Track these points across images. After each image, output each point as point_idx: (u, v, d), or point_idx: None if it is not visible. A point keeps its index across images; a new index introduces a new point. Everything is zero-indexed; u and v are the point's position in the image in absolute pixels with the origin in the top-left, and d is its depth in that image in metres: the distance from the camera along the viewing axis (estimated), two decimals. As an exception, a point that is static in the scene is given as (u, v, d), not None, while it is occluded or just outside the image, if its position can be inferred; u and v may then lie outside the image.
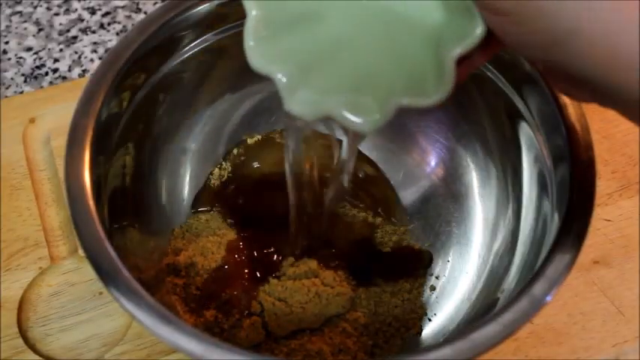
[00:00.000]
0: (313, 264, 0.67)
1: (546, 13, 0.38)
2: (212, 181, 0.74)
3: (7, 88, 0.86)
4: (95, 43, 0.91)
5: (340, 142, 0.57)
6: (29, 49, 0.90)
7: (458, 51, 0.44)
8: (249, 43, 0.46)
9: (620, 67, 0.37)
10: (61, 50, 0.90)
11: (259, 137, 0.76)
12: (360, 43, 0.47)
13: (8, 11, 0.94)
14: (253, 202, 0.73)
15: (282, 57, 0.46)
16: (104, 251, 0.50)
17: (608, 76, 0.38)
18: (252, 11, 0.46)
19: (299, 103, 0.45)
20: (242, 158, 0.75)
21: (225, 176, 0.74)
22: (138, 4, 0.95)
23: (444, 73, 0.45)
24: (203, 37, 0.66)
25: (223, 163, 0.75)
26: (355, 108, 0.45)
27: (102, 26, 0.93)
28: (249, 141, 0.76)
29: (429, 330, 0.66)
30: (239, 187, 0.74)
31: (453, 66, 0.44)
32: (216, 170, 0.74)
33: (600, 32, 0.37)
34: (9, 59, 0.89)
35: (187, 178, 0.72)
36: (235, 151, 0.75)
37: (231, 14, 0.65)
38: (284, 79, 0.45)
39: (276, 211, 0.71)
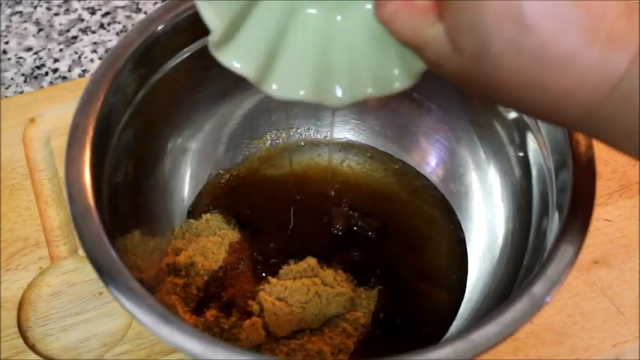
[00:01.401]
0: (313, 262, 0.67)
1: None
2: (213, 182, 0.74)
3: (7, 88, 0.86)
4: (95, 43, 0.91)
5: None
6: (29, 49, 0.90)
7: (423, 66, 0.45)
8: (212, 42, 0.46)
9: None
10: (61, 50, 0.90)
11: (270, 147, 0.77)
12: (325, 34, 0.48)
13: (8, 11, 0.94)
14: (254, 203, 0.73)
15: (246, 50, 0.47)
16: (104, 251, 0.50)
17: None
18: (207, 12, 0.46)
19: (272, 89, 0.48)
20: (248, 163, 0.76)
21: (228, 177, 0.74)
22: (138, 4, 0.95)
23: (410, 73, 0.46)
24: (203, 38, 0.65)
25: (233, 168, 0.75)
26: (323, 91, 0.47)
27: (102, 26, 0.93)
28: (260, 152, 0.76)
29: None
30: (240, 187, 0.74)
31: (419, 73, 0.46)
32: (221, 172, 0.74)
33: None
34: (9, 59, 0.89)
35: (187, 178, 0.72)
36: (240, 157, 0.76)
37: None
38: (251, 73, 0.47)
39: (277, 212, 0.72)
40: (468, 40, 0.38)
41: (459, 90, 0.44)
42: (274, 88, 0.48)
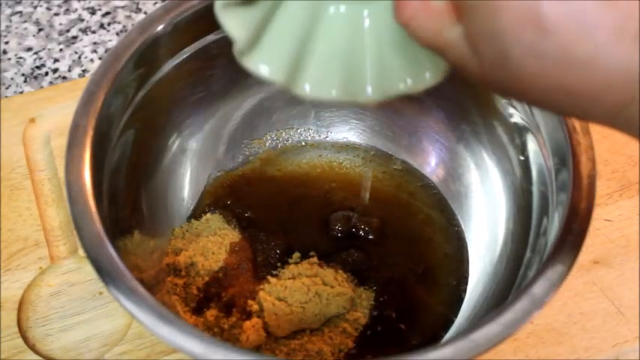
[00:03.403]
0: (313, 260, 0.68)
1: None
2: (214, 182, 0.74)
3: (7, 88, 0.86)
4: (95, 43, 0.91)
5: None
6: (29, 49, 0.90)
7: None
8: (237, 51, 0.46)
9: None
10: (61, 50, 0.90)
11: (270, 147, 0.77)
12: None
13: (8, 11, 0.94)
14: (254, 203, 0.73)
15: (273, 55, 0.46)
16: (104, 251, 0.50)
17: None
18: (229, 23, 0.45)
19: (303, 91, 0.47)
20: (248, 163, 0.76)
21: (228, 177, 0.75)
22: (138, 4, 0.95)
23: (440, 68, 0.45)
24: (203, 38, 0.66)
25: (233, 168, 0.76)
26: (354, 89, 0.46)
27: (102, 26, 0.93)
28: (260, 152, 0.77)
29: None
30: (241, 187, 0.75)
31: (449, 68, 0.45)
32: (221, 172, 0.75)
33: None
34: (9, 59, 0.89)
35: (187, 178, 0.72)
36: (240, 157, 0.76)
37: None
38: (279, 78, 0.46)
39: (277, 212, 0.73)
40: (487, 46, 0.37)
41: (469, 83, 0.43)
42: (305, 90, 0.47)
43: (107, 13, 0.94)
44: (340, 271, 0.67)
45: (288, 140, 0.77)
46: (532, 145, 0.62)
